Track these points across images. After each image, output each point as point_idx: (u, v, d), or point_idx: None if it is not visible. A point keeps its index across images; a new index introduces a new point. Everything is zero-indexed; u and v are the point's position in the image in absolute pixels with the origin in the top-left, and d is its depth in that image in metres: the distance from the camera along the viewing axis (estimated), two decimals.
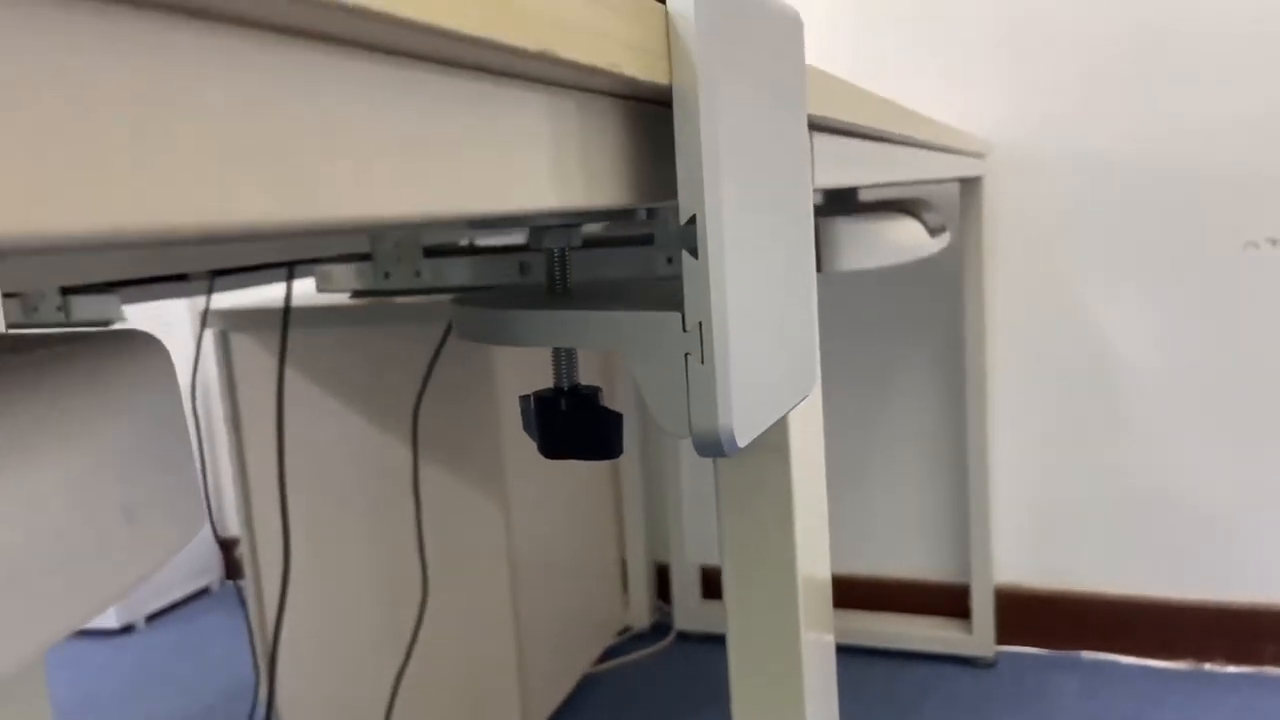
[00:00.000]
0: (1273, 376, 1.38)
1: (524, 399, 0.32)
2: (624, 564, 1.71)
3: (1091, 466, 1.48)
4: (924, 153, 0.78)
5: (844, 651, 1.56)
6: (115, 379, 0.14)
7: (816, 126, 0.42)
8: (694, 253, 0.24)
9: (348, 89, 0.16)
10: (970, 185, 1.41)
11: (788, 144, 0.29)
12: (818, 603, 0.51)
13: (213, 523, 2.04)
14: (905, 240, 0.73)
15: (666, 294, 0.27)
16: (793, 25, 0.29)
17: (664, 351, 0.24)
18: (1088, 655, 1.50)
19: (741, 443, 0.25)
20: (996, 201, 1.47)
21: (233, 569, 2.05)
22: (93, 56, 0.13)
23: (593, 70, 0.19)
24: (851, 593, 1.62)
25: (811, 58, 1.54)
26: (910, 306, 1.54)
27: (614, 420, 0.28)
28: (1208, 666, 1.44)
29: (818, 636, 0.51)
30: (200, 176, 0.14)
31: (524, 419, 0.31)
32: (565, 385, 0.33)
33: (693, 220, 0.24)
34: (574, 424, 0.30)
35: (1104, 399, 1.46)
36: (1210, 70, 1.35)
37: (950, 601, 1.57)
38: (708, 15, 0.23)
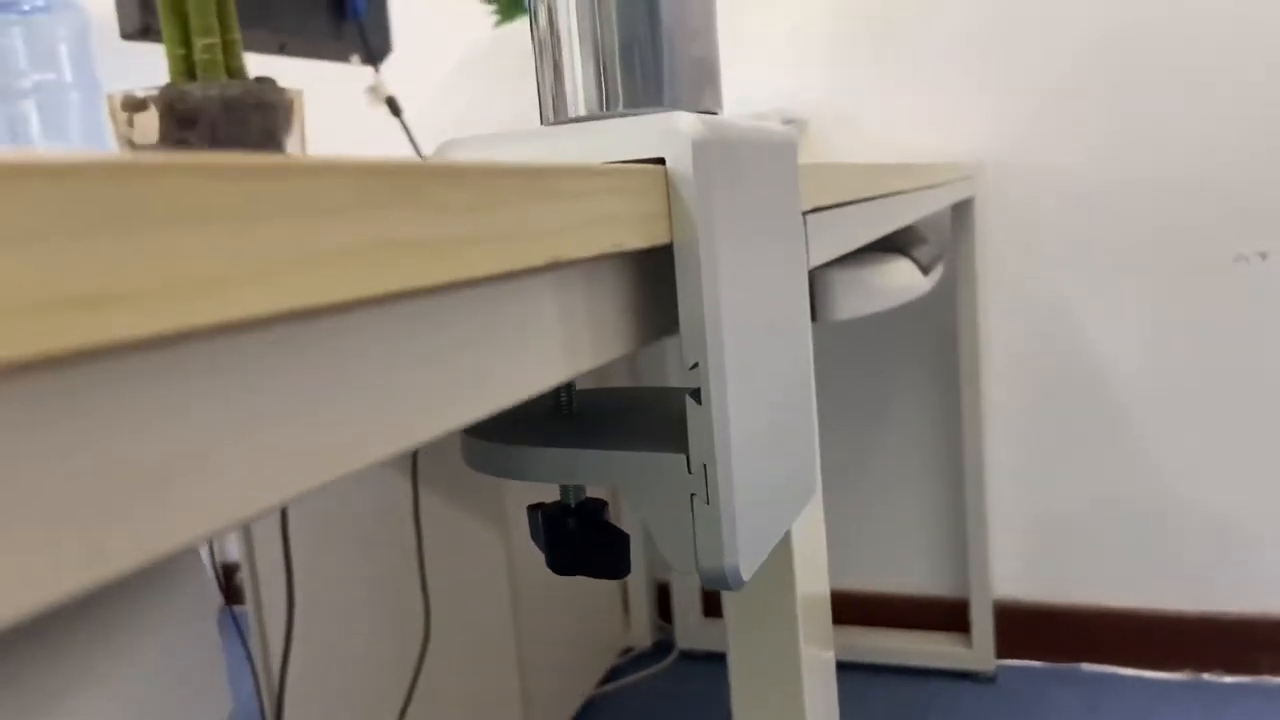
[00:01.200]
0: (1266, 388, 1.39)
1: (531, 511, 0.32)
2: (625, 584, 1.72)
3: (1088, 480, 1.49)
4: (917, 194, 0.79)
5: (844, 668, 1.56)
6: (154, 611, 0.15)
7: (811, 211, 0.43)
8: (697, 398, 0.24)
9: (388, 345, 0.17)
10: (961, 206, 1.42)
11: (786, 265, 0.30)
12: (817, 619, 0.52)
13: (211, 547, 2.05)
14: (899, 283, 0.74)
15: (671, 425, 0.28)
16: (786, 149, 0.29)
17: (669, 492, 0.25)
18: (1087, 667, 1.51)
19: (746, 576, 0.26)
20: (988, 220, 1.48)
21: (231, 594, 2.05)
22: None
23: (599, 257, 0.20)
24: (851, 609, 1.63)
25: (801, 76, 1.55)
26: (905, 323, 1.55)
27: (622, 541, 0.29)
28: (1206, 677, 1.45)
29: (818, 653, 0.52)
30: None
31: (531, 529, 0.32)
32: (572, 502, 0.33)
33: (695, 365, 0.24)
34: (582, 542, 0.30)
35: (1100, 413, 1.47)
36: (1199, 84, 1.36)
37: (950, 616, 1.58)
38: (705, 171, 0.23)
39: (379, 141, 1.63)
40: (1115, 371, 1.45)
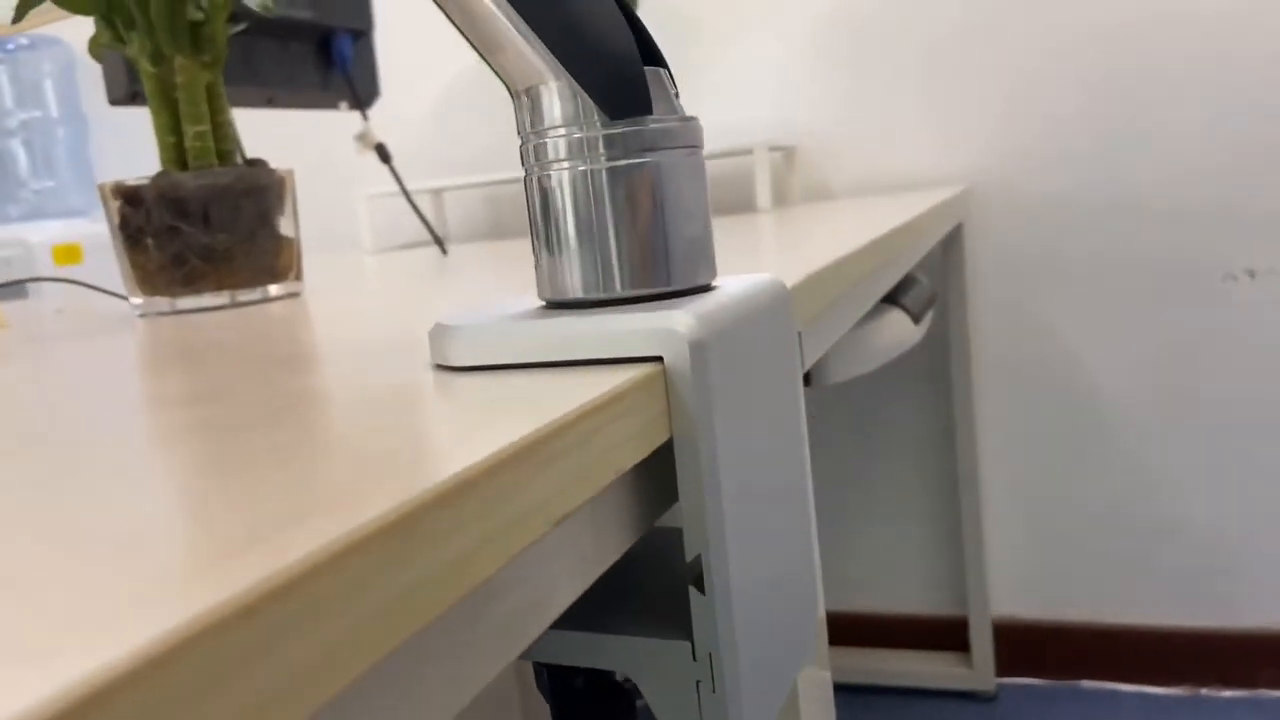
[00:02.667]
0: (1258, 404, 1.40)
1: (538, 667, 0.33)
2: None
3: (1084, 497, 1.49)
4: (913, 243, 0.79)
5: (844, 690, 1.57)
6: None
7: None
8: (700, 586, 0.25)
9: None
10: (951, 232, 1.42)
11: (785, 423, 0.30)
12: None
13: None
14: (891, 339, 0.74)
15: (675, 597, 0.28)
16: (780, 307, 0.30)
17: (674, 677, 0.25)
18: (1087, 684, 1.51)
19: None
20: (976, 241, 1.49)
21: None
22: None
23: (601, 490, 0.20)
24: (849, 630, 1.64)
25: (787, 103, 1.55)
26: None
27: (630, 703, 0.29)
28: (1205, 692, 1.46)
29: (814, 675, 0.52)
30: None
31: (537, 682, 0.32)
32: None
33: (698, 557, 0.25)
34: (589, 702, 0.31)
35: (1094, 431, 1.47)
36: (1185, 103, 1.37)
37: (949, 636, 1.59)
38: (702, 370, 0.24)
39: (370, 178, 1.63)
40: (1108, 390, 1.46)
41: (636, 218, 0.26)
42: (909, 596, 1.61)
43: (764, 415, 0.27)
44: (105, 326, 0.61)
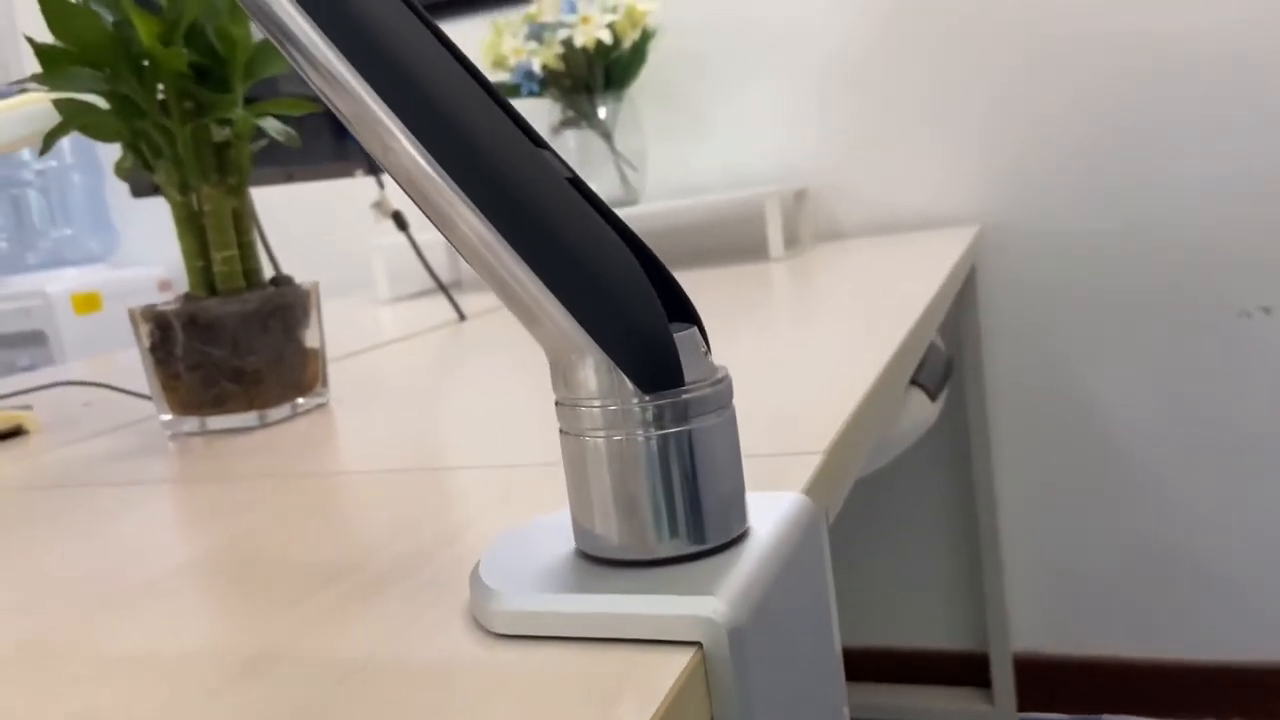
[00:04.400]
0: (1275, 439, 1.40)
1: None
2: None
3: (1103, 531, 1.50)
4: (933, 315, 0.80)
5: None
6: None
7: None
8: None
9: None
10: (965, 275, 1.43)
11: (820, 645, 0.31)
12: None
13: None
14: (909, 426, 0.75)
15: None
16: (814, 530, 0.31)
17: None
18: (1109, 719, 1.52)
19: None
20: (989, 280, 1.49)
21: None
22: None
23: None
24: (870, 665, 1.64)
25: (797, 144, 1.56)
26: None
27: None
28: None
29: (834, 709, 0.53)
30: None
31: None
32: None
33: None
34: None
35: (1112, 465, 1.48)
36: (1199, 141, 1.37)
37: (970, 670, 1.59)
38: (742, 654, 0.25)
39: (386, 228, 1.65)
40: (1125, 425, 1.46)
41: (672, 484, 0.27)
42: (929, 631, 1.61)
43: (803, 658, 0.28)
44: (136, 446, 0.62)
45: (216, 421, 0.63)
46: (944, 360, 0.93)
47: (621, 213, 1.44)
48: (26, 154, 1.91)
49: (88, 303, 1.82)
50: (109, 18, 0.57)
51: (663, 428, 0.26)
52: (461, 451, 0.50)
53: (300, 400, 0.66)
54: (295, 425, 0.63)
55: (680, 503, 0.27)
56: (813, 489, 0.36)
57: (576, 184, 0.28)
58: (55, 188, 1.99)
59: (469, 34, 1.67)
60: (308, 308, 0.66)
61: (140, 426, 0.70)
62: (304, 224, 1.79)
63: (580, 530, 0.28)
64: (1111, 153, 1.41)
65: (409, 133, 0.26)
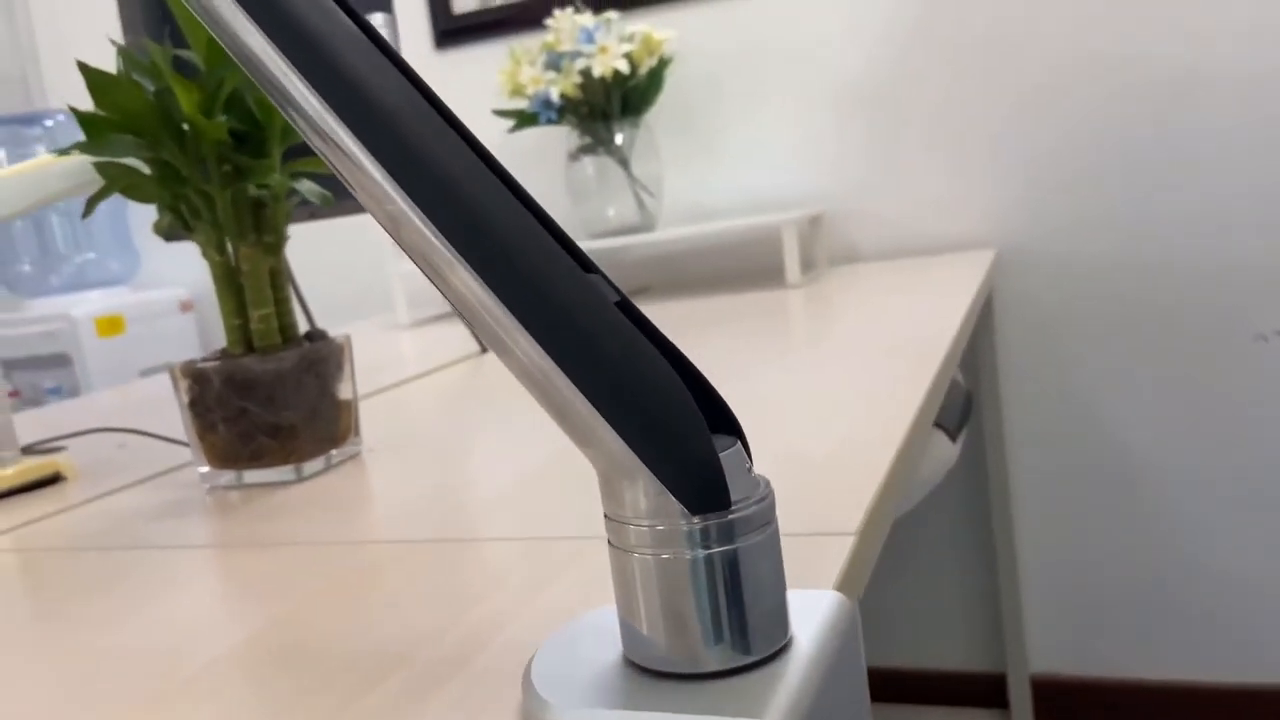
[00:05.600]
0: None
1: None
2: None
3: (1120, 553, 1.50)
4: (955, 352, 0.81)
5: None
6: None
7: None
8: None
9: None
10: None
11: None
12: None
13: None
14: (929, 471, 0.75)
15: None
16: (851, 632, 0.32)
17: None
18: None
19: None
20: (1006, 305, 1.50)
21: None
22: None
23: None
24: (888, 686, 1.65)
25: (821, 161, 1.57)
26: None
27: None
28: None
29: None
30: None
31: None
32: None
33: None
34: None
35: (1128, 487, 1.48)
36: (1214, 165, 1.38)
37: (988, 692, 1.60)
38: None
39: (408, 273, 1.66)
40: (1141, 447, 1.46)
41: (719, 601, 0.28)
42: (947, 652, 1.62)
43: None
44: (174, 501, 0.64)
45: (253, 475, 0.64)
46: (963, 396, 0.94)
47: (639, 239, 1.46)
48: None
49: (111, 325, 1.85)
50: (150, 86, 0.59)
51: (710, 547, 0.27)
52: (496, 518, 0.51)
53: (334, 452, 0.67)
54: (330, 480, 0.64)
55: (727, 618, 0.28)
56: (845, 581, 0.37)
57: (625, 307, 0.29)
58: (78, 211, 2.01)
59: (485, 60, 1.69)
60: (341, 361, 0.67)
61: (176, 476, 0.71)
62: (323, 249, 1.81)
63: (629, 639, 0.29)
64: (1126, 176, 1.42)
65: (469, 265, 0.28)
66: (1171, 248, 1.41)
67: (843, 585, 0.37)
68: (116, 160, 0.61)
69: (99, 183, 0.62)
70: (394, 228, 0.29)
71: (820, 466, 0.52)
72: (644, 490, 0.28)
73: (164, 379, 1.42)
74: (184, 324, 1.97)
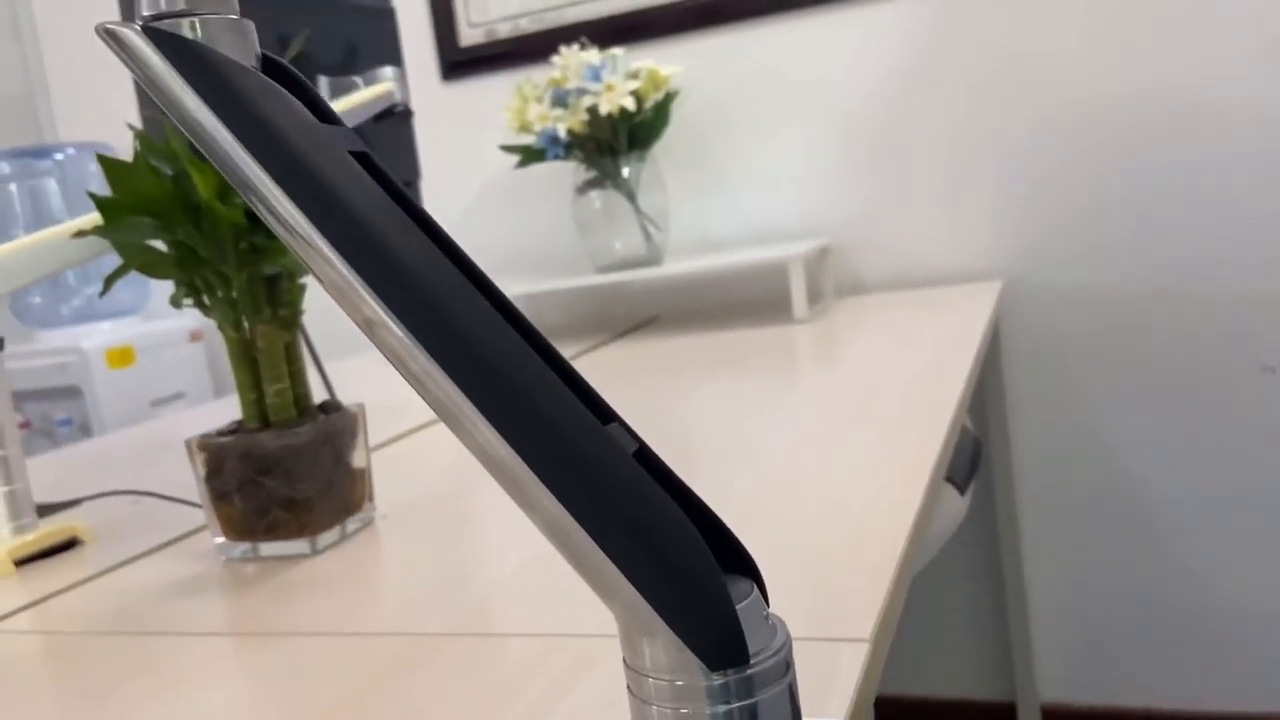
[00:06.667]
0: None
1: None
2: None
3: (1128, 582, 1.50)
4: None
5: None
6: None
7: None
8: None
9: None
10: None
11: None
12: None
13: None
14: (939, 529, 0.76)
15: None
16: None
17: None
18: None
19: None
20: (1011, 334, 1.50)
21: None
22: None
23: None
24: (898, 714, 1.65)
25: (826, 192, 1.57)
26: None
27: None
28: None
29: None
30: None
31: None
32: None
33: None
34: None
35: (1136, 518, 1.48)
36: (1222, 193, 1.38)
37: None
38: None
39: None
40: (1149, 477, 1.46)
41: None
42: (956, 680, 1.62)
43: None
44: (190, 576, 0.64)
45: (269, 548, 0.65)
46: (971, 444, 0.94)
47: (646, 273, 1.47)
48: (60, 211, 1.95)
49: (122, 357, 1.86)
50: (167, 171, 0.59)
51: (729, 702, 0.28)
52: (512, 606, 0.52)
53: (349, 520, 0.68)
54: (345, 552, 0.65)
55: None
56: (860, 700, 0.37)
57: (643, 456, 0.30)
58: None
59: (491, 91, 1.70)
60: (356, 431, 0.68)
61: (191, 543, 0.72)
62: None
63: None
64: (1131, 207, 1.42)
65: (492, 423, 0.28)
66: (1178, 279, 1.41)
67: (858, 705, 0.37)
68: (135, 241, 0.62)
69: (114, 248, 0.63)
70: (416, 384, 0.29)
71: (830, 549, 0.53)
72: (663, 645, 0.28)
73: (173, 418, 1.42)
74: (193, 353, 1.99)
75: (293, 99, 0.30)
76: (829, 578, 0.49)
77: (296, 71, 0.32)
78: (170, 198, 0.59)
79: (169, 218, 0.59)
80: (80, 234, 0.64)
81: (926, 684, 1.64)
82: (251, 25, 0.31)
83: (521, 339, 0.30)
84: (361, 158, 0.31)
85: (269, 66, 0.31)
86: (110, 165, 0.57)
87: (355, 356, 1.68)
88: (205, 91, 0.29)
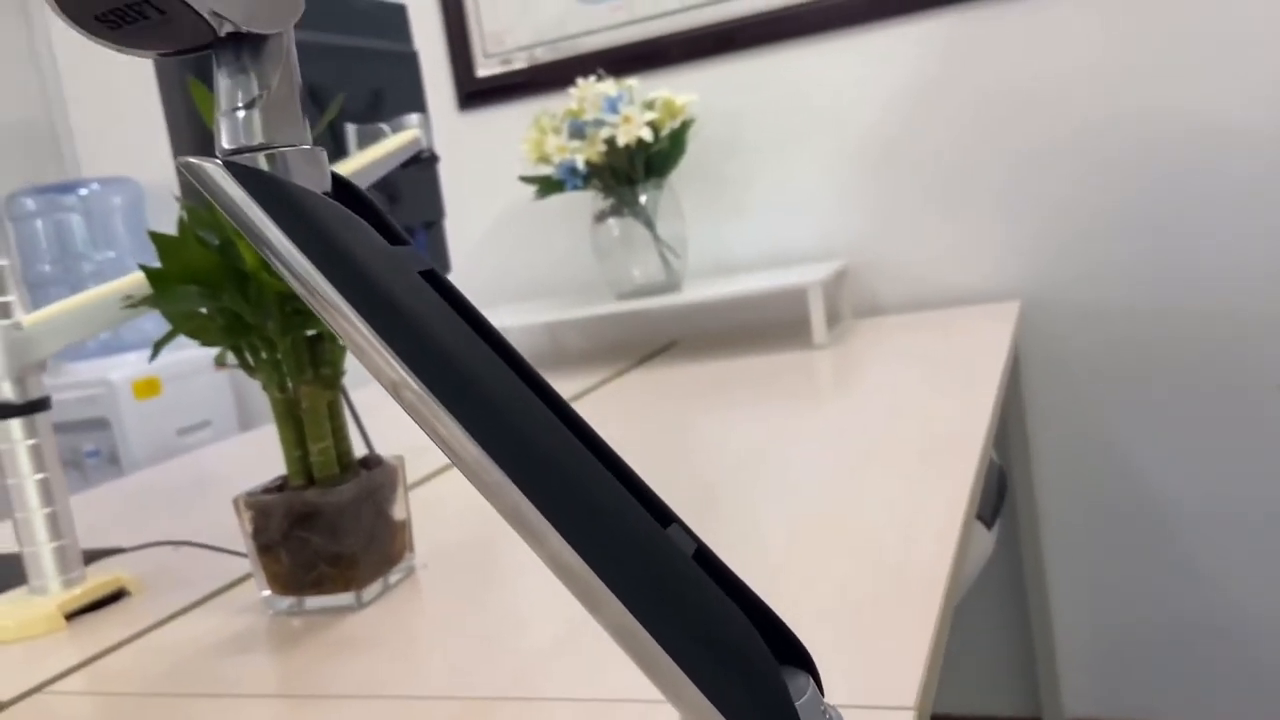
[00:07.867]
0: None
1: None
2: None
3: (1151, 598, 1.50)
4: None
5: None
6: None
7: None
8: None
9: None
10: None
11: None
12: None
13: None
14: (972, 565, 0.77)
15: None
16: None
17: None
18: None
19: None
20: (1030, 353, 1.51)
21: None
22: None
23: None
24: None
25: (844, 214, 1.58)
26: None
27: None
28: None
29: None
30: None
31: None
32: None
33: None
34: None
35: (1160, 536, 1.49)
36: (1234, 215, 1.39)
37: None
38: None
39: None
40: (1172, 494, 1.47)
41: None
42: (982, 697, 1.63)
43: None
44: (237, 632, 0.66)
45: (314, 602, 0.67)
46: (997, 476, 0.95)
47: (665, 299, 1.48)
48: (85, 245, 1.98)
49: (148, 387, 1.88)
50: (213, 240, 0.61)
51: None
52: (556, 667, 0.53)
53: (391, 571, 0.69)
54: (389, 605, 0.66)
55: None
56: None
57: (701, 556, 0.32)
58: (112, 277, 2.05)
59: (506, 121, 1.72)
60: (396, 483, 0.70)
61: (237, 595, 0.74)
62: None
63: None
64: (1148, 227, 1.43)
65: (563, 538, 0.30)
66: (1195, 298, 1.42)
67: None
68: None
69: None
70: (487, 493, 0.31)
71: (866, 608, 0.54)
72: None
73: (203, 451, 1.44)
74: (219, 381, 2.01)
75: (365, 225, 0.32)
76: (867, 640, 0.50)
77: (364, 192, 0.33)
78: (217, 267, 0.61)
79: (216, 286, 0.61)
80: (130, 303, 0.66)
81: (952, 701, 1.64)
82: (323, 152, 0.32)
83: (585, 446, 0.31)
84: (429, 275, 0.32)
85: (338, 186, 0.33)
86: (160, 240, 0.59)
87: (374, 384, 1.70)
88: (286, 224, 0.30)
